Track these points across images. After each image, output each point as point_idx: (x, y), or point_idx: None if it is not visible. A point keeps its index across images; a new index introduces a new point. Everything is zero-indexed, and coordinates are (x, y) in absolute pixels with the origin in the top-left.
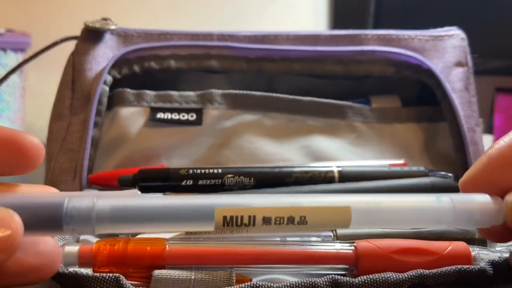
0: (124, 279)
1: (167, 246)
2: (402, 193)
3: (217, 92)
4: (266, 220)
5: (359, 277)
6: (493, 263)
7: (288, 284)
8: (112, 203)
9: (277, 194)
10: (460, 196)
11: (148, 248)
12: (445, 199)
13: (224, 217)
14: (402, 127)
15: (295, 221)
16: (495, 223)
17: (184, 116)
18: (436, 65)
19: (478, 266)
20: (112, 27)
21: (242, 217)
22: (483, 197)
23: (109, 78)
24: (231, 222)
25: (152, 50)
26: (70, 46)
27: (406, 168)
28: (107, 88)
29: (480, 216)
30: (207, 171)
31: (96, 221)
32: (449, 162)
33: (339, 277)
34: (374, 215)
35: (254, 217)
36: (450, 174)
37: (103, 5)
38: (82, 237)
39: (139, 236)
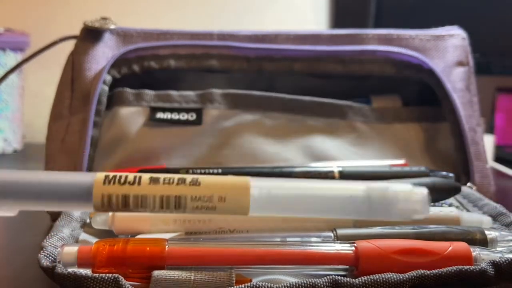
0: (123, 279)
1: (167, 246)
2: None
3: (217, 92)
4: (154, 180)
5: (359, 278)
6: (494, 264)
7: (288, 285)
8: None
9: None
10: (378, 185)
11: (148, 248)
12: (360, 188)
13: (106, 176)
14: (403, 127)
15: (187, 181)
16: (415, 215)
17: (184, 116)
18: (437, 64)
19: (479, 267)
20: (112, 26)
21: (126, 176)
22: (404, 186)
23: (108, 78)
24: (113, 180)
25: (152, 49)
26: (70, 45)
27: (406, 168)
28: (106, 88)
29: (400, 208)
30: (207, 171)
31: None
32: (450, 162)
33: (339, 277)
34: (277, 198)
35: (140, 176)
36: (451, 174)
37: (103, 4)
38: (81, 237)
39: (138, 236)
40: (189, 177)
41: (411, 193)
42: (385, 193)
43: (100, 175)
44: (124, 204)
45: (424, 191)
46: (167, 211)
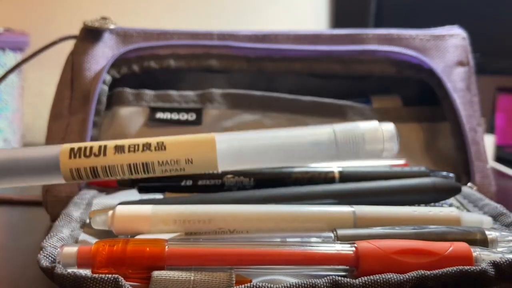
0: (123, 280)
1: (167, 246)
2: (403, 194)
3: (217, 91)
4: (119, 148)
5: (359, 278)
6: (494, 264)
7: (288, 285)
8: None
9: None
10: (343, 126)
11: (148, 249)
12: (326, 131)
13: (72, 149)
14: (403, 127)
15: (152, 146)
16: (385, 153)
17: (184, 116)
18: (437, 64)
19: (480, 267)
20: (112, 26)
21: (91, 147)
22: (371, 124)
23: (108, 78)
24: (79, 153)
25: (152, 49)
26: (69, 45)
27: (407, 168)
28: (106, 88)
29: (368, 148)
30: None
31: None
32: (450, 162)
33: (339, 278)
34: (244, 149)
35: (105, 146)
36: (451, 174)
37: (103, 4)
38: (81, 237)
39: (138, 236)
40: (154, 142)
41: (377, 131)
42: (351, 135)
43: (65, 149)
44: (94, 175)
45: (391, 127)
46: (138, 176)
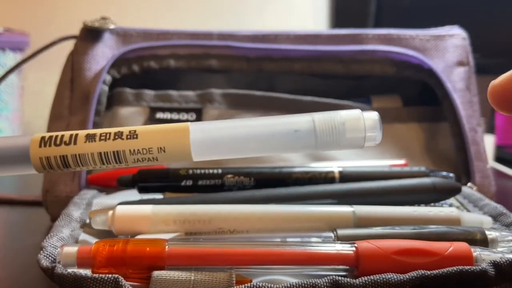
0: (123, 280)
1: (167, 246)
2: (402, 194)
3: (217, 92)
4: (90, 137)
5: (359, 278)
6: (494, 264)
7: (288, 285)
8: None
9: None
10: (323, 115)
11: (148, 248)
12: (304, 119)
13: (42, 138)
14: (403, 127)
15: (124, 135)
16: (367, 143)
17: (184, 116)
18: (437, 64)
19: (480, 267)
20: (111, 26)
21: (62, 136)
22: (352, 113)
23: (108, 78)
24: (49, 142)
25: (152, 49)
26: (69, 45)
27: (406, 169)
28: (106, 88)
29: (348, 137)
30: (206, 171)
31: None
32: (450, 162)
33: (339, 278)
34: (219, 139)
35: (77, 134)
36: (451, 174)
37: (103, 4)
38: (81, 237)
39: (138, 236)
40: (126, 130)
41: (359, 120)
42: (331, 123)
43: (36, 138)
44: (64, 165)
45: (374, 115)
46: (109, 166)
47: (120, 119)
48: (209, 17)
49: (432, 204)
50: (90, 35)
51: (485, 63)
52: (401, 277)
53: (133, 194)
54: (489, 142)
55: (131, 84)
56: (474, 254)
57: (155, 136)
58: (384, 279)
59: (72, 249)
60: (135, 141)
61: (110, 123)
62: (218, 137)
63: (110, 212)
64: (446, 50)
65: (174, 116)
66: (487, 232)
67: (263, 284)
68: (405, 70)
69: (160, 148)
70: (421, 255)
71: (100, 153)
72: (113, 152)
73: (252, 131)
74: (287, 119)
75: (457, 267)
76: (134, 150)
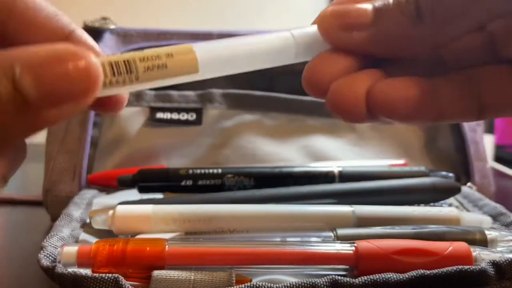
0: (123, 279)
1: (167, 246)
2: (402, 194)
3: (217, 91)
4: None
5: (359, 278)
6: (494, 264)
7: (288, 285)
8: None
9: None
10: (298, 30)
11: (148, 248)
12: (285, 35)
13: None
14: (403, 127)
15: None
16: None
17: (184, 116)
18: None
19: (479, 267)
20: (112, 26)
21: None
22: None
23: None
24: None
25: None
26: None
27: (406, 168)
28: None
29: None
30: (206, 171)
31: None
32: (449, 162)
33: (339, 277)
34: (220, 56)
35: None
36: (450, 174)
37: (103, 4)
38: (81, 237)
39: (138, 236)
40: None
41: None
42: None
43: None
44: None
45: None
46: (122, 77)
47: (120, 119)
48: (209, 17)
49: (432, 204)
50: (90, 35)
51: None
52: (401, 277)
53: (133, 194)
54: (488, 142)
55: None
56: (474, 253)
57: (162, 50)
58: (384, 279)
59: (72, 249)
60: (143, 52)
61: (110, 123)
62: (220, 54)
63: (110, 212)
64: None
65: (174, 116)
66: (486, 232)
67: (263, 284)
68: None
69: (168, 54)
70: (421, 255)
71: (111, 62)
72: (124, 61)
73: (244, 48)
74: (272, 35)
75: (456, 266)
76: (143, 57)
